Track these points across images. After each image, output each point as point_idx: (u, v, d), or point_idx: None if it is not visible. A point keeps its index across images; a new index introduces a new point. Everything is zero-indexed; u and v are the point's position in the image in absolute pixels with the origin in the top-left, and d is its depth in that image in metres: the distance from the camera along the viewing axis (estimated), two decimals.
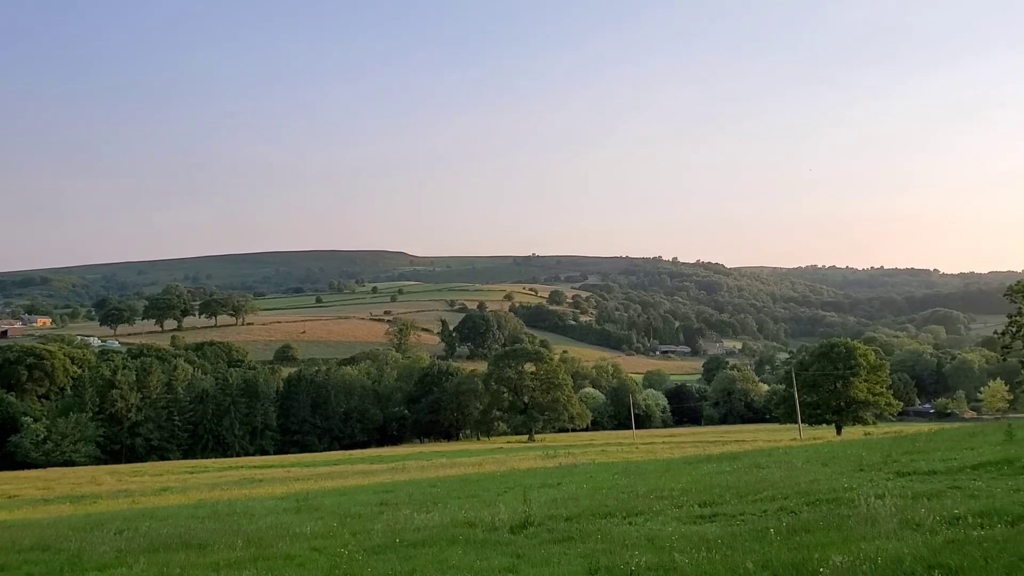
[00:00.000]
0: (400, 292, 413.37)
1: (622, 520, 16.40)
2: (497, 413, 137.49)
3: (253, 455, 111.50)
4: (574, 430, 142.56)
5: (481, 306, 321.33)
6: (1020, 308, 68.23)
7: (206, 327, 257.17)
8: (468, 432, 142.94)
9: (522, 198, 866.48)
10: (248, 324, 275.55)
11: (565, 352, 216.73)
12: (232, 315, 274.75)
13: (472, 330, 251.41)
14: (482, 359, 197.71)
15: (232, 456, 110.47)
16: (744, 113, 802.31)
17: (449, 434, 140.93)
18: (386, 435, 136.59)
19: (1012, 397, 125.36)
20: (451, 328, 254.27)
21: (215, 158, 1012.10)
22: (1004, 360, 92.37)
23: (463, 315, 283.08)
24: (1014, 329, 68.30)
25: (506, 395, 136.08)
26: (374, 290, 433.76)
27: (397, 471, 48.45)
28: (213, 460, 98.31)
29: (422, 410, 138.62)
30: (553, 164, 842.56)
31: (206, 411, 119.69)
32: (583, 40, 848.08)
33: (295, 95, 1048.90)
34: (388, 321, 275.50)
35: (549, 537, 14.88)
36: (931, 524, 11.56)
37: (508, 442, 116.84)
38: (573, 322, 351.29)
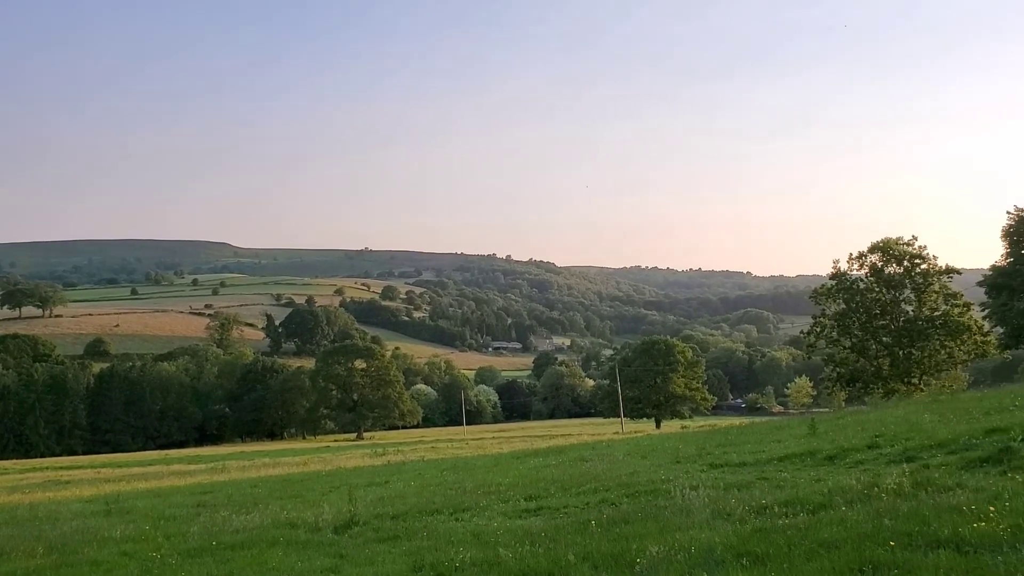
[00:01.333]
0: (223, 285, 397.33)
1: (449, 516, 16.34)
2: (325, 411, 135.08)
3: (60, 455, 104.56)
4: (405, 427, 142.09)
5: (310, 301, 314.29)
6: (824, 310, 73.15)
7: (9, 319, 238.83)
8: (294, 431, 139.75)
9: (355, 190, 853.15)
10: (56, 316, 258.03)
11: (397, 349, 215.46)
12: (39, 306, 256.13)
13: (300, 325, 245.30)
14: (310, 356, 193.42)
15: (36, 457, 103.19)
16: (567, 115, 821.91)
17: (273, 433, 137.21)
18: (206, 434, 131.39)
19: (816, 393, 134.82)
20: (277, 323, 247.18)
21: (19, 136, 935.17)
22: (809, 358, 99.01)
23: (290, 310, 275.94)
24: (818, 329, 73.15)
25: (334, 392, 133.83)
26: (195, 282, 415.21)
27: (216, 471, 46.66)
28: (14, 461, 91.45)
29: (245, 408, 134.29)
30: (386, 157, 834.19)
31: (7, 409, 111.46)
32: (428, 32, 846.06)
33: (105, 67, 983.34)
34: (209, 315, 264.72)
35: (374, 536, 14.63)
36: (741, 514, 12.08)
37: (336, 440, 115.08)
38: (406, 318, 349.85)
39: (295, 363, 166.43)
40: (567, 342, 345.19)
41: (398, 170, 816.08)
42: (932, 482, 12.36)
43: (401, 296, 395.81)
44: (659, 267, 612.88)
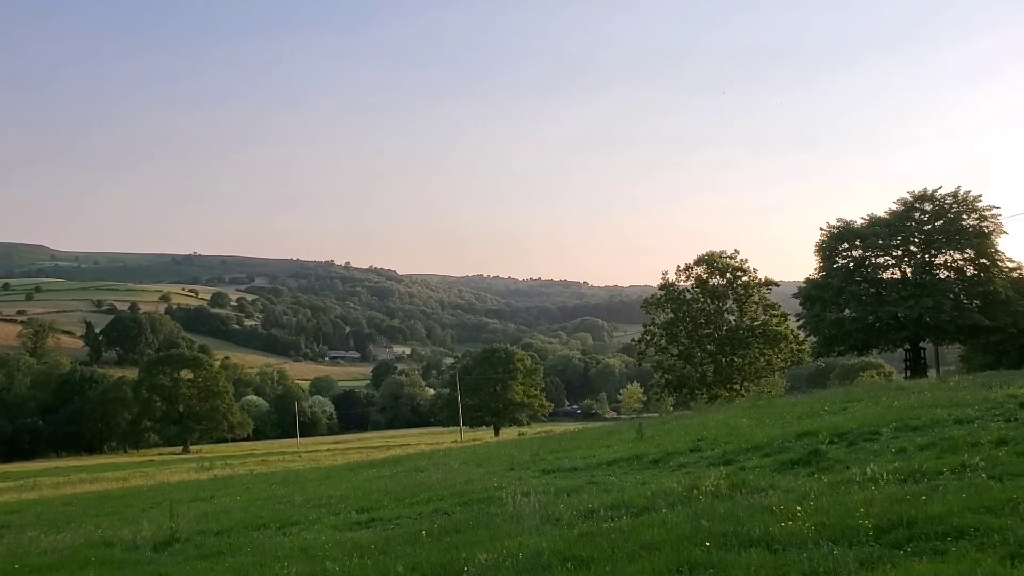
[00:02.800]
0: (37, 290, 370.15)
1: (276, 531, 15.84)
2: (148, 424, 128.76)
3: None
4: (235, 440, 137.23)
5: (133, 307, 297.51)
6: (654, 319, 76.10)
7: None
8: (115, 445, 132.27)
9: (184, 192, 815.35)
10: None
11: (227, 358, 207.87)
12: None
13: (122, 333, 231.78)
14: (133, 365, 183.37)
15: None
16: (408, 123, 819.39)
17: (92, 447, 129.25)
18: (15, 449, 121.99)
19: (646, 398, 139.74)
20: (97, 331, 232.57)
21: None
22: (640, 365, 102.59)
23: (112, 317, 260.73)
24: (648, 337, 76.02)
25: (159, 404, 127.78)
26: (6, 287, 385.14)
27: (26, 489, 43.58)
28: None
29: (61, 421, 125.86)
30: (218, 160, 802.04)
31: None
32: (261, 31, 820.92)
33: None
34: (22, 322, 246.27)
35: (196, 553, 13.97)
36: (569, 518, 12.28)
37: (160, 454, 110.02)
38: (237, 326, 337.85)
39: (117, 373, 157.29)
40: (408, 351, 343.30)
41: (230, 173, 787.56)
42: (747, 484, 12.98)
43: (232, 303, 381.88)
44: (501, 276, 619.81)
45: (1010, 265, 58.64)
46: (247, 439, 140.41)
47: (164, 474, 50.45)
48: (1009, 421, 15.71)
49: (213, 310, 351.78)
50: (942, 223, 57.25)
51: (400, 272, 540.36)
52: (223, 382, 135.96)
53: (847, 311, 58.29)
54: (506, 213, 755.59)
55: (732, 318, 74.85)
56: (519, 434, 74.48)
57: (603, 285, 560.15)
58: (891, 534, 8.76)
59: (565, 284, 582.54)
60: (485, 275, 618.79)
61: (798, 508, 10.19)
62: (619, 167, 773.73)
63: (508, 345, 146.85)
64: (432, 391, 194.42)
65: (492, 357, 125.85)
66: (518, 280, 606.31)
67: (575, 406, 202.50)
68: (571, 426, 66.82)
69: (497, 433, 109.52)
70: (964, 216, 57.27)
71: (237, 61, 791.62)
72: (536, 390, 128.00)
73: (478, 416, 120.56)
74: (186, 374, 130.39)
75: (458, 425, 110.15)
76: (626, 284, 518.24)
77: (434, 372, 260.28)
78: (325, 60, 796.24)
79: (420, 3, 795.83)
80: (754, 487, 12.64)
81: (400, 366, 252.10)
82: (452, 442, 77.76)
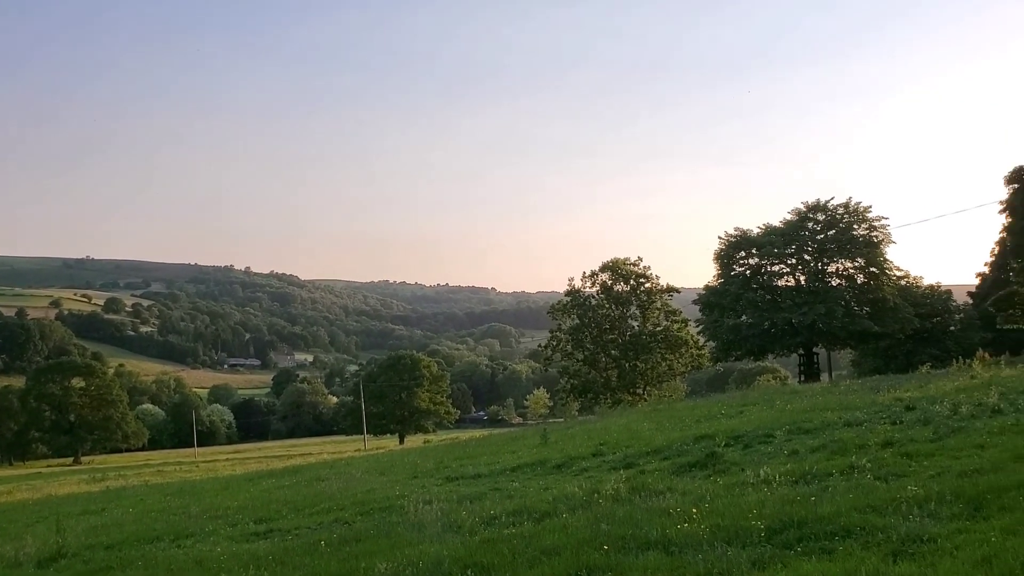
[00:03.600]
0: None
1: (171, 543, 15.32)
2: (36, 434, 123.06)
3: None
4: (129, 450, 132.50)
5: (20, 313, 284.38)
6: (560, 325, 76.88)
7: None
8: None
9: (76, 193, 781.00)
10: None
11: (122, 366, 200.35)
12: None
13: (8, 340, 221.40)
14: (20, 373, 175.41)
15: None
16: (312, 127, 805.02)
17: None
18: None
19: (552, 404, 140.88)
20: None
21: None
22: (547, 370, 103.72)
23: None
24: (555, 343, 76.79)
25: (48, 414, 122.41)
26: None
27: None
28: None
29: None
30: (112, 160, 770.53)
31: None
32: (161, 29, 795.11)
33: None
34: None
35: (84, 568, 13.42)
36: (471, 525, 12.22)
37: (49, 466, 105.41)
38: (132, 333, 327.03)
39: (2, 381, 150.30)
40: (310, 358, 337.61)
41: (125, 173, 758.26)
42: (647, 487, 13.16)
43: (127, 309, 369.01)
44: (408, 282, 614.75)
45: (898, 273, 61.51)
46: (142, 449, 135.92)
47: (52, 487, 48.37)
48: (895, 424, 16.35)
49: (107, 316, 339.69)
50: (834, 233, 59.58)
51: (303, 277, 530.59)
52: (117, 390, 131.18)
53: (744, 317, 60.03)
54: (414, 218, 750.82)
55: (635, 324, 76.26)
56: (424, 442, 74.04)
57: (511, 291, 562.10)
58: (782, 534, 8.99)
59: (473, 290, 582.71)
60: (391, 281, 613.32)
61: (694, 510, 10.38)
62: (526, 173, 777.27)
63: (414, 352, 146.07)
64: (335, 399, 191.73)
65: (398, 364, 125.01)
66: (425, 286, 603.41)
67: (482, 413, 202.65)
68: (477, 433, 66.80)
69: (402, 441, 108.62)
70: (855, 226, 59.72)
71: (136, 58, 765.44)
72: (442, 397, 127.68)
73: (383, 424, 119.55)
74: (77, 382, 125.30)
75: (362, 433, 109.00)
76: (534, 290, 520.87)
77: (337, 380, 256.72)
78: (225, 61, 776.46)
79: (323, 7, 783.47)
80: (653, 490, 12.82)
81: (302, 374, 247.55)
82: (355, 451, 76.86)
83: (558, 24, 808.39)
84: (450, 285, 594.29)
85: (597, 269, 75.72)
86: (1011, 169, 47.13)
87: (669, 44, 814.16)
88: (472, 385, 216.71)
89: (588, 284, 75.98)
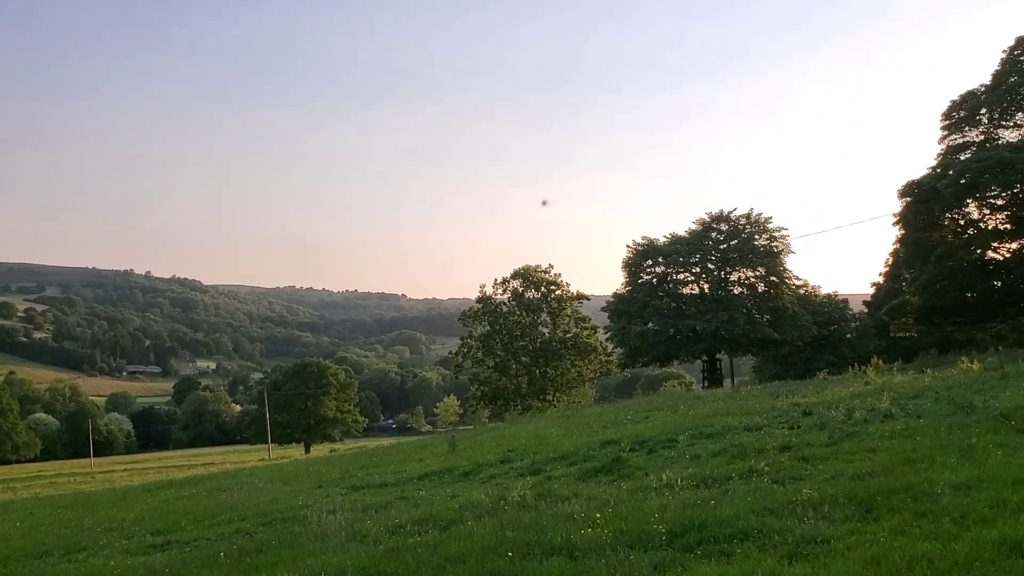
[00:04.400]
0: None
1: (61, 558, 14.72)
2: None
3: None
4: (20, 461, 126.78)
5: None
6: (471, 331, 76.84)
7: None
8: None
9: None
10: None
11: (12, 373, 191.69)
12: None
13: None
14: None
15: None
16: (216, 127, 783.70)
17: None
18: None
19: (463, 411, 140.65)
20: None
21: None
22: (457, 377, 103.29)
23: None
24: (465, 350, 76.73)
25: None
26: None
27: None
28: None
29: None
30: (4, 159, 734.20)
31: None
32: (56, 34, 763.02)
33: None
34: None
35: None
36: (376, 535, 12.07)
37: None
38: (25, 339, 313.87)
39: None
40: (213, 365, 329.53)
41: (17, 173, 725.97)
42: (553, 493, 13.21)
43: (19, 314, 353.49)
44: (315, 287, 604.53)
45: (797, 282, 63.58)
46: (34, 460, 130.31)
47: None
48: (792, 428, 16.82)
49: None
50: (736, 242, 61.28)
51: (206, 283, 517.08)
52: (7, 399, 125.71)
53: (651, 324, 61.14)
54: (322, 223, 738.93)
55: (546, 331, 76.82)
56: (331, 451, 72.96)
57: (422, 298, 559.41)
58: (683, 538, 9.14)
59: (383, 296, 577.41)
60: (298, 287, 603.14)
61: (598, 515, 10.47)
62: (438, 179, 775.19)
63: (321, 359, 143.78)
64: (239, 407, 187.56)
65: (304, 372, 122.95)
66: (333, 292, 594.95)
67: (391, 421, 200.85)
68: (385, 441, 66.25)
69: (308, 450, 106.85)
70: (756, 236, 61.52)
71: (43, 49, 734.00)
72: (350, 405, 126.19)
73: (288, 433, 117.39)
74: None
75: (266, 443, 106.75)
76: (445, 297, 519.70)
77: (241, 388, 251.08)
78: (126, 60, 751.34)
79: (230, 5, 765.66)
80: (559, 496, 12.88)
81: (205, 381, 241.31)
82: (259, 460, 75.24)
83: (469, 31, 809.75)
84: (359, 291, 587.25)
85: (509, 276, 76.13)
86: (904, 183, 49.13)
87: (575, 51, 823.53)
88: (381, 393, 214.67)
89: (499, 291, 76.29)
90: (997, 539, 7.34)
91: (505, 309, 75.74)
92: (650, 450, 17.02)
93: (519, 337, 75.60)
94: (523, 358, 74.63)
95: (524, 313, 75.80)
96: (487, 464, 19.63)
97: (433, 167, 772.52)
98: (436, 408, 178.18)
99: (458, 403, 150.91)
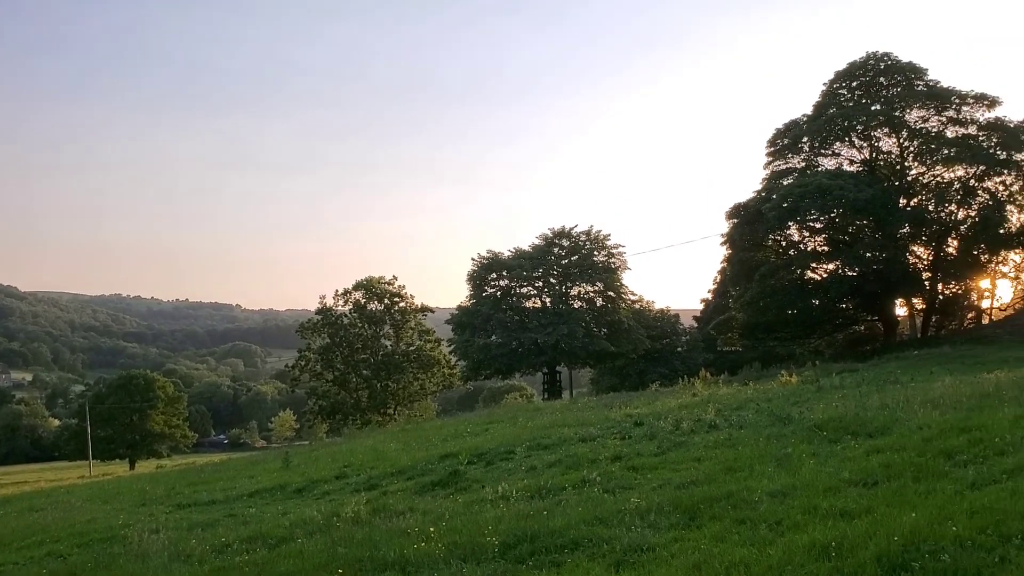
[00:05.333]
0: None
1: None
2: None
3: None
4: None
5: None
6: (310, 344, 75.09)
7: None
8: None
9: None
10: None
11: None
12: None
13: None
14: None
15: None
16: (40, 126, 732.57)
17: None
18: None
19: (299, 426, 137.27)
20: None
21: None
22: (294, 391, 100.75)
23: None
24: (303, 363, 74.87)
25: None
26: None
27: None
28: None
29: None
30: None
31: None
32: None
33: None
34: None
35: None
36: (201, 554, 11.57)
37: None
38: None
39: None
40: (29, 377, 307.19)
41: None
42: (388, 508, 13.04)
43: None
44: (143, 296, 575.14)
45: (632, 297, 65.93)
46: None
47: None
48: (624, 439, 17.30)
49: None
50: (577, 258, 62.88)
51: (23, 289, 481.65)
52: None
53: (494, 337, 61.73)
54: (150, 228, 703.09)
55: (388, 343, 76.13)
56: (157, 467, 69.43)
57: (258, 308, 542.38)
58: (516, 549, 9.20)
59: (216, 306, 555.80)
60: (125, 295, 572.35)
61: (432, 529, 10.40)
62: (273, 187, 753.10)
63: (148, 371, 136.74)
64: (58, 422, 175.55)
65: (129, 384, 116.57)
66: (163, 301, 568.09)
67: (223, 436, 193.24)
68: (216, 457, 63.63)
69: (133, 467, 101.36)
70: (596, 252, 63.35)
71: None
72: (179, 420, 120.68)
73: (111, 449, 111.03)
74: None
75: (87, 459, 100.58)
76: (282, 308, 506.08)
77: (61, 401, 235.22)
78: None
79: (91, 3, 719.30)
80: (394, 511, 12.72)
81: (19, 394, 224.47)
82: (79, 478, 70.73)
83: (335, 42, 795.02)
84: (191, 300, 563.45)
85: (351, 287, 75.00)
86: (732, 205, 51.79)
87: (430, 65, 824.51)
88: (212, 407, 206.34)
89: (340, 302, 75.05)
90: (808, 543, 7.76)
91: (346, 321, 74.55)
92: (488, 462, 17.09)
93: (360, 350, 74.58)
94: (364, 371, 73.64)
95: (366, 325, 74.86)
96: (322, 480, 19.20)
97: (270, 174, 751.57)
98: (271, 423, 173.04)
99: (294, 418, 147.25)
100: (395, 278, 76.00)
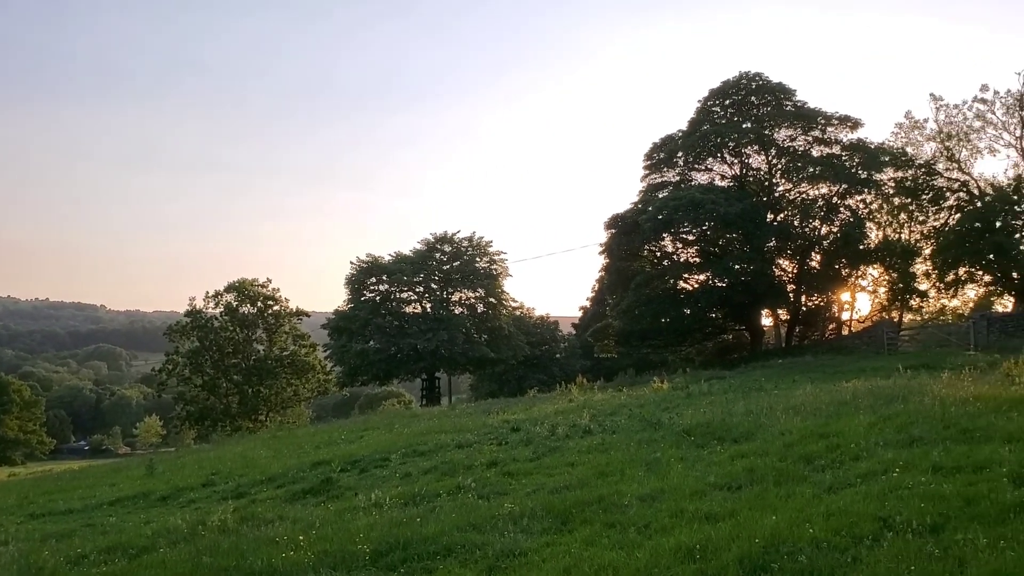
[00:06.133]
0: None
1: None
2: None
3: None
4: None
5: None
6: (178, 347, 72.37)
7: None
8: None
9: None
10: None
11: None
12: None
13: None
14: None
15: None
16: None
17: None
18: None
19: (166, 432, 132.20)
20: None
21: None
22: (160, 396, 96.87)
23: None
24: (171, 367, 72.04)
25: None
26: None
27: None
28: None
29: None
30: None
31: None
32: None
33: None
34: None
35: None
36: (54, 566, 10.95)
37: None
38: None
39: None
40: None
41: None
42: (256, 516, 12.68)
43: None
44: None
45: (513, 304, 66.48)
46: None
47: None
48: (501, 444, 17.38)
49: None
50: (459, 264, 62.96)
51: None
52: None
53: (372, 342, 61.01)
54: (5, 223, 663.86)
55: (261, 348, 74.15)
56: (10, 475, 65.44)
57: (123, 309, 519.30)
58: (387, 557, 9.09)
59: (78, 307, 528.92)
60: None
61: (302, 538, 10.15)
62: (145, 185, 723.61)
63: (3, 374, 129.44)
64: None
65: None
66: (20, 300, 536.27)
67: (84, 442, 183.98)
68: (76, 464, 60.64)
69: None
70: (478, 259, 63.56)
71: None
72: (35, 425, 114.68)
73: None
74: None
75: None
76: (150, 309, 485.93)
77: None
78: None
79: None
80: (263, 519, 12.38)
81: None
82: None
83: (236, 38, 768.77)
84: (51, 300, 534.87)
85: (222, 289, 72.72)
86: (610, 216, 52.88)
87: (330, 67, 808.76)
88: (73, 412, 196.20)
89: (211, 305, 72.64)
90: (674, 546, 7.96)
91: (217, 324, 72.17)
92: (362, 470, 16.86)
93: (231, 354, 72.35)
94: (235, 376, 71.45)
95: (238, 329, 72.71)
96: (188, 488, 18.54)
97: (145, 172, 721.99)
98: (136, 429, 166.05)
99: (161, 424, 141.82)
100: (269, 280, 74.23)
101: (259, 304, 73.19)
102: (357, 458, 18.19)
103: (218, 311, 72.44)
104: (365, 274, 62.78)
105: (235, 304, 72.54)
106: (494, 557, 8.61)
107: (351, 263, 63.24)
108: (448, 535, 9.54)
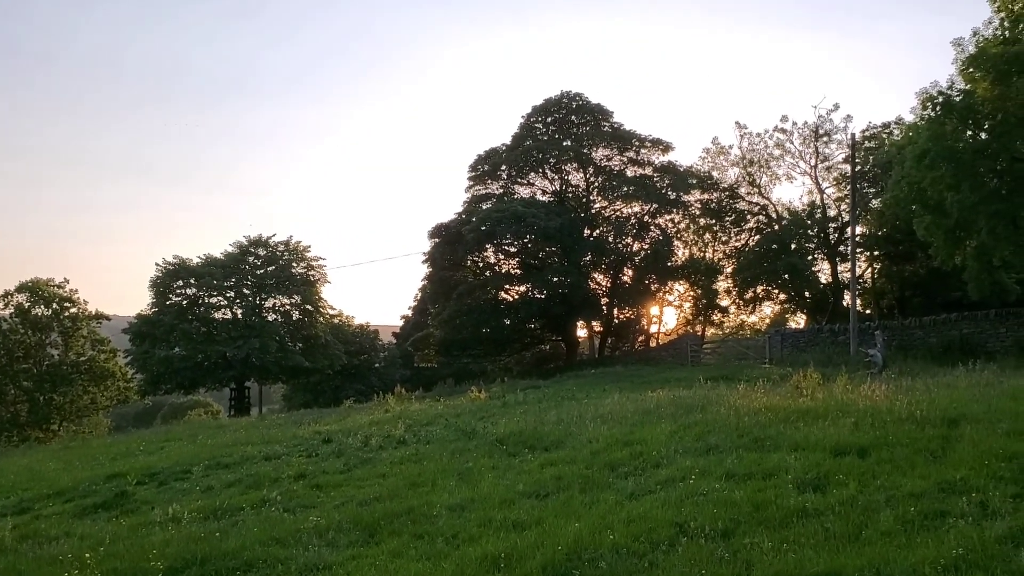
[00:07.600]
0: None
1: None
2: None
3: None
4: None
5: None
6: None
7: None
8: None
9: None
10: None
11: None
12: None
13: None
14: None
15: None
16: None
17: None
18: None
19: None
20: None
21: None
22: None
23: None
24: None
25: None
26: None
27: None
28: None
29: None
30: None
31: None
32: None
33: None
34: None
35: None
36: None
37: None
38: None
39: None
40: None
41: None
42: (40, 533, 11.74)
43: None
44: None
45: (331, 312, 65.13)
46: None
47: None
48: (310, 456, 16.91)
49: None
50: (274, 269, 61.06)
51: None
52: None
53: (177, 349, 58.11)
54: None
55: (56, 352, 69.11)
56: None
57: None
58: (183, 573, 8.64)
59: None
60: None
61: (88, 555, 9.47)
62: None
63: None
64: None
65: None
66: None
67: None
68: None
69: None
70: (294, 264, 61.89)
71: None
72: None
73: None
74: None
75: None
76: None
77: None
78: None
79: None
80: (47, 536, 11.47)
81: None
82: None
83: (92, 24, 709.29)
84: None
85: (13, 289, 67.25)
86: (434, 225, 53.07)
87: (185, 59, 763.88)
88: None
89: (0, 305, 67.03)
90: (480, 555, 7.98)
91: (6, 326, 66.66)
92: (161, 483, 15.96)
93: (21, 359, 66.97)
94: (24, 382, 66.11)
95: (30, 332, 67.42)
96: None
97: None
98: None
99: None
100: (66, 281, 69.28)
101: (54, 306, 68.19)
102: (156, 470, 17.20)
103: (7, 312, 66.98)
104: (171, 276, 59.75)
105: (27, 305, 67.27)
106: (297, 571, 8.35)
107: (156, 264, 60.10)
108: (249, 550, 9.17)
